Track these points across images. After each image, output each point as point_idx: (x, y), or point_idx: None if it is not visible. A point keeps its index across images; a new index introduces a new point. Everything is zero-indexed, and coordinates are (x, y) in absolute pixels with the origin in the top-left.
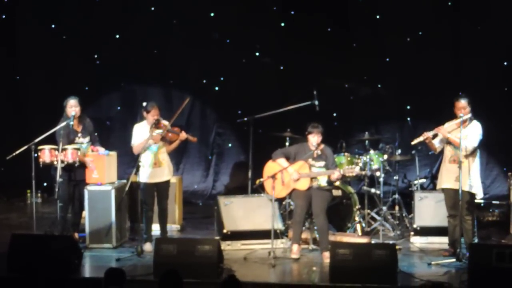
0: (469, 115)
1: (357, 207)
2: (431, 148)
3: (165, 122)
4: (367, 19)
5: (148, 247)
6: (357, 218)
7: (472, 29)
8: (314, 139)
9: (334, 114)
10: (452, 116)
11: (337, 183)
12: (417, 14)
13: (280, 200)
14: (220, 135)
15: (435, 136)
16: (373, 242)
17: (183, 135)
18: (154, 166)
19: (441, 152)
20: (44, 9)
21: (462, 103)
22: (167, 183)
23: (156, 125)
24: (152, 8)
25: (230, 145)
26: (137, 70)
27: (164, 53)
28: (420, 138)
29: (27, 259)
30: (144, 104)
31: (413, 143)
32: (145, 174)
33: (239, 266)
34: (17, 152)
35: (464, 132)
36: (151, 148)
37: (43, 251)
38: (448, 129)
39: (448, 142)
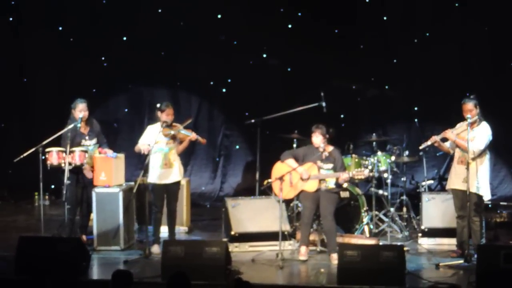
0: (476, 117)
1: (364, 208)
2: (442, 150)
3: (177, 124)
4: (374, 20)
5: (155, 249)
6: (364, 220)
7: (479, 30)
8: (315, 139)
9: (342, 116)
10: (460, 117)
11: (345, 185)
12: (424, 15)
13: (287, 202)
14: (227, 136)
15: (445, 139)
16: (381, 243)
17: (194, 135)
18: (164, 167)
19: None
20: (51, 11)
21: (468, 105)
22: (177, 185)
23: (169, 125)
24: (159, 10)
25: (237, 146)
26: (144, 72)
27: (171, 55)
28: (428, 143)
29: (34, 262)
30: (158, 105)
31: (421, 147)
32: (155, 175)
33: (247, 268)
34: (25, 154)
35: (472, 133)
36: (162, 149)
37: (51, 253)
38: (458, 130)
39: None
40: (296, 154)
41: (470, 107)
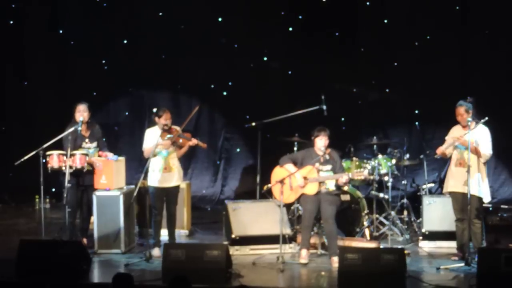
0: (470, 119)
1: (365, 211)
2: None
3: (176, 128)
4: (375, 23)
5: (156, 252)
6: (365, 223)
7: (480, 33)
8: (321, 142)
9: (342, 119)
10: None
11: (346, 188)
12: (425, 19)
13: (288, 205)
14: (228, 140)
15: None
16: (381, 246)
17: (194, 141)
18: (164, 171)
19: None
20: (52, 15)
21: (460, 110)
22: (176, 189)
23: (167, 130)
24: (160, 14)
25: (238, 150)
26: (145, 75)
27: (172, 58)
28: (438, 155)
29: (35, 265)
30: (155, 110)
31: (436, 156)
32: (155, 179)
33: (247, 271)
34: (26, 157)
35: (472, 136)
36: (162, 153)
37: (52, 256)
38: (457, 134)
39: (455, 146)
40: (295, 158)
41: (461, 112)
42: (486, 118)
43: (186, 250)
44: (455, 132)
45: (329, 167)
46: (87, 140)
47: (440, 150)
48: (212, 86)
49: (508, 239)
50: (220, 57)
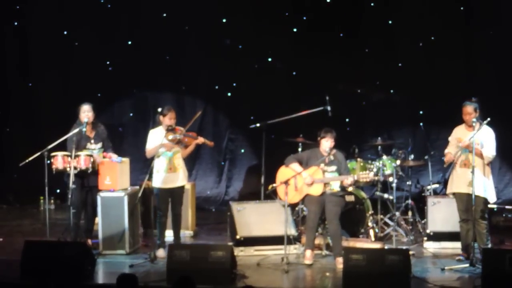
0: (475, 119)
1: (370, 212)
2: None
3: (180, 128)
4: (379, 24)
5: (161, 253)
6: (370, 224)
7: (484, 34)
8: (327, 143)
9: (347, 120)
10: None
11: (350, 189)
12: (429, 19)
13: (293, 206)
14: (232, 141)
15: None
16: (386, 247)
17: (201, 139)
18: (169, 171)
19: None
20: (56, 16)
21: (468, 109)
22: (181, 189)
23: (171, 130)
24: (164, 15)
25: (242, 150)
26: (149, 77)
27: (176, 59)
28: (447, 162)
29: (40, 266)
30: (160, 109)
31: (445, 165)
32: (160, 179)
33: (252, 272)
34: (30, 158)
35: (477, 137)
36: (166, 153)
37: (56, 257)
38: (460, 135)
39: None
40: (300, 158)
41: (469, 111)
42: (489, 119)
43: (191, 251)
44: (458, 132)
45: (334, 168)
46: (92, 141)
47: (449, 158)
48: (216, 87)
49: None
50: (224, 58)
